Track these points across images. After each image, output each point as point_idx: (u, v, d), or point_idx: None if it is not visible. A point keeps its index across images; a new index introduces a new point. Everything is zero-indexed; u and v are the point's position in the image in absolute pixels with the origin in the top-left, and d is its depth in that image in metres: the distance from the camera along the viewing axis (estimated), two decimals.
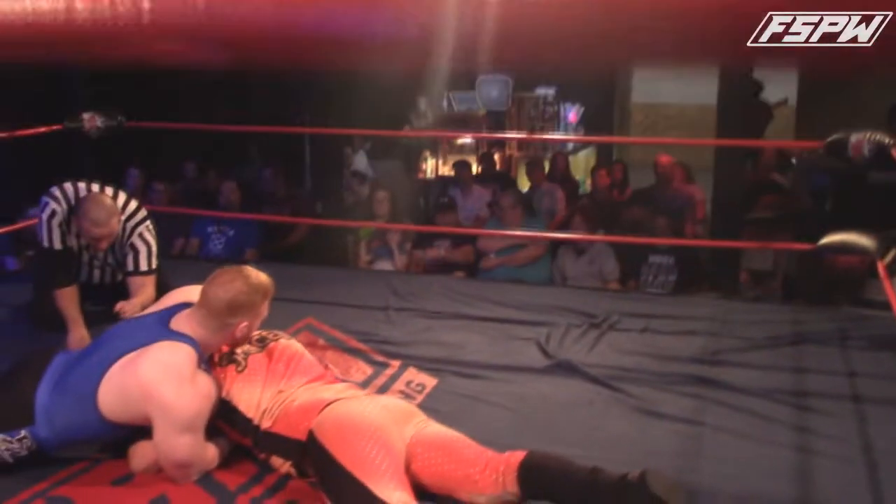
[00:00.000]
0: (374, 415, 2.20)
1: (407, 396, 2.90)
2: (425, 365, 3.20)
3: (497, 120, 9.61)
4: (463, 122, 9.38)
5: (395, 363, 3.22)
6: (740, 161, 5.91)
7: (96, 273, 3.53)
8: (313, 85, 6.80)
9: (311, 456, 2.22)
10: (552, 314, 3.79)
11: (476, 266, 5.48)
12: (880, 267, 3.28)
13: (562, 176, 7.61)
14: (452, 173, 7.92)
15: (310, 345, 3.09)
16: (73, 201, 3.32)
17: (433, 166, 9.20)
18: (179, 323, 2.41)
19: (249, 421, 2.38)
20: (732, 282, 5.36)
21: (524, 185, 7.54)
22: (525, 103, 9.50)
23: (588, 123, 10.18)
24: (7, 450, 2.32)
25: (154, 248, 3.45)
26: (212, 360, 2.49)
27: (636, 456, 2.49)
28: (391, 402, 2.39)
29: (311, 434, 2.22)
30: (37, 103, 4.75)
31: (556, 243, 5.51)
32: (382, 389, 2.97)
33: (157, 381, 2.25)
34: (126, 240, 3.41)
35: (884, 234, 3.59)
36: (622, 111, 11.57)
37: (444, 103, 9.37)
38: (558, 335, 3.51)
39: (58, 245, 3.33)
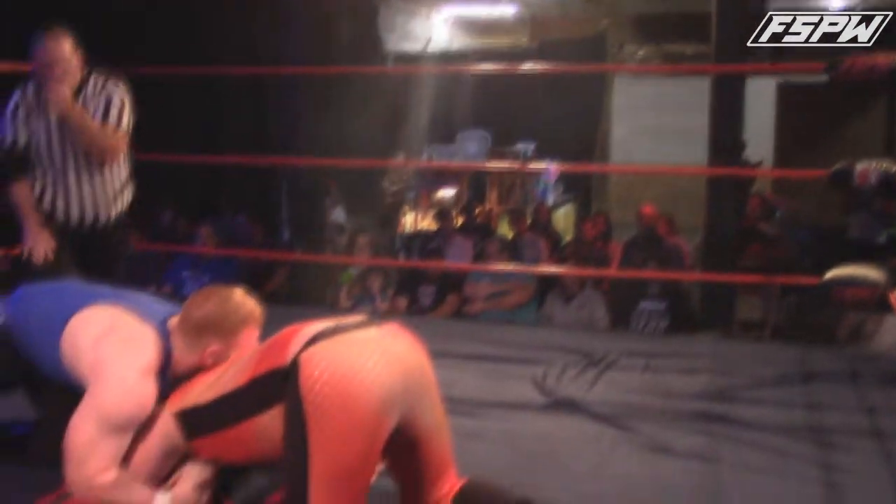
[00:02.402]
0: (384, 392, 1.79)
1: None
2: None
3: (477, 174, 9.52)
4: (442, 176, 9.28)
5: None
6: (730, 209, 5.81)
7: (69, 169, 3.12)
8: (292, 140, 6.67)
9: (287, 401, 1.84)
10: (546, 353, 3.59)
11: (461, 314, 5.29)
12: (893, 299, 3.14)
13: (544, 227, 7.47)
14: (433, 227, 7.77)
15: None
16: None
17: (412, 220, 9.05)
18: (173, 324, 2.18)
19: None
20: (725, 329, 5.19)
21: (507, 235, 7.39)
22: (505, 157, 9.40)
23: (568, 179, 10.11)
24: None
25: (128, 108, 3.15)
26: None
27: (651, 494, 2.30)
28: (408, 359, 1.91)
29: (294, 370, 1.82)
30: None
31: (544, 290, 5.34)
32: None
33: (111, 360, 2.05)
34: (99, 90, 3.13)
35: (889, 265, 3.46)
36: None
37: (424, 157, 9.25)
38: (555, 373, 3.30)
39: (21, 139, 3.08)
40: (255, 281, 5.94)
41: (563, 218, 9.53)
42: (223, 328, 2.13)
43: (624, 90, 13.75)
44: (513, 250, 6.02)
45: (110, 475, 2.00)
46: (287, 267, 6.17)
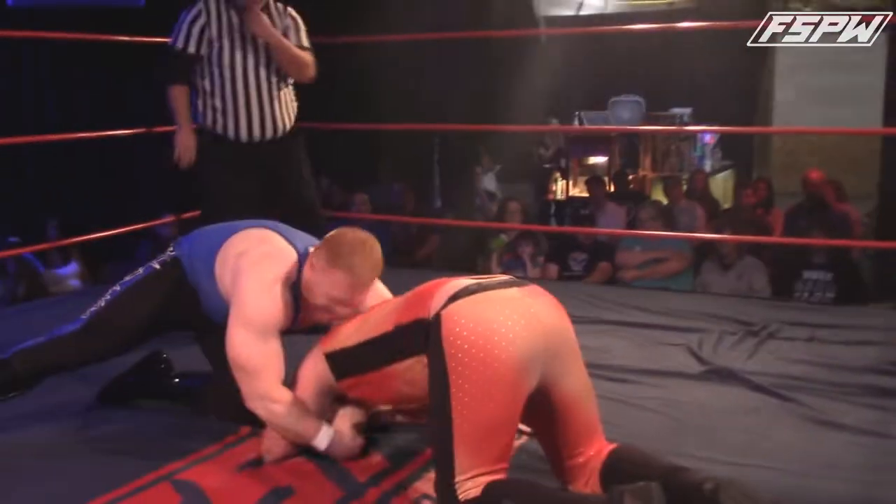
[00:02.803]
0: (523, 350, 1.80)
1: None
2: None
3: (630, 140, 9.29)
4: (595, 142, 9.11)
5: None
6: None
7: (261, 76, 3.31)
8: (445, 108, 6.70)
9: (430, 356, 1.87)
10: (702, 321, 3.48)
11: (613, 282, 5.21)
12: None
13: (701, 194, 7.23)
14: (584, 194, 7.67)
15: None
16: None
17: (563, 188, 8.95)
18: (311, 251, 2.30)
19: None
20: None
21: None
22: (659, 123, 9.13)
23: (726, 145, 9.73)
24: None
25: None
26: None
27: (813, 468, 2.19)
28: (549, 320, 1.90)
29: (436, 325, 1.85)
30: None
31: (701, 258, 5.18)
32: None
33: (246, 271, 2.23)
34: (282, 13, 3.36)
35: None
36: (762, 134, 11.03)
37: (576, 123, 9.12)
38: (712, 341, 3.20)
39: (191, 48, 3.26)
40: (408, 247, 6.09)
41: (722, 184, 9.19)
42: (335, 251, 2.16)
43: (787, 49, 12.97)
44: (668, 217, 5.87)
45: (286, 393, 2.15)
46: (439, 234, 6.25)
